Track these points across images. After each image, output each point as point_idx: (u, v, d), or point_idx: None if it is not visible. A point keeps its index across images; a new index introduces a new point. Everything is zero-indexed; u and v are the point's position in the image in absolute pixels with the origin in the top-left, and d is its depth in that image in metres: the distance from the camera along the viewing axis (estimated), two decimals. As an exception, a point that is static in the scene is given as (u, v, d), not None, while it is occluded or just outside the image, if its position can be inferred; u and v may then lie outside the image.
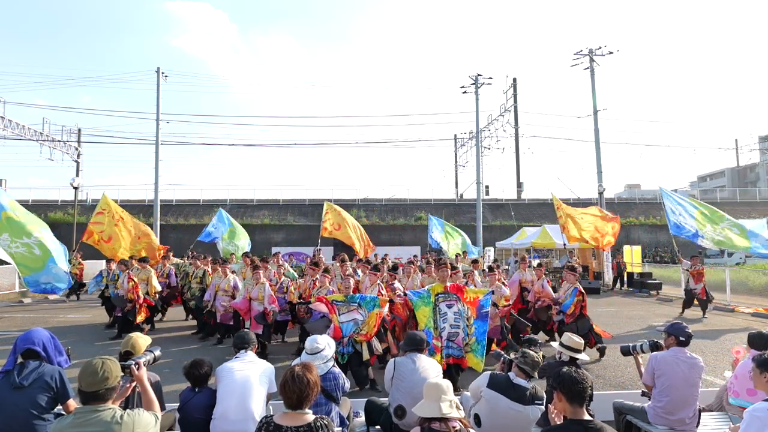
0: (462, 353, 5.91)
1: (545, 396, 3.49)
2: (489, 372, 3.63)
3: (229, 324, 8.63)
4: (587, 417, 2.43)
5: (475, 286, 7.69)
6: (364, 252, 15.51)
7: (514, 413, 3.36)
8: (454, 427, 2.62)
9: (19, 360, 3.07)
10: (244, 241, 16.82)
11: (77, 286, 15.51)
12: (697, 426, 3.86)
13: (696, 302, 11.91)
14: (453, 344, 5.90)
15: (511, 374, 3.52)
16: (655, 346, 4.14)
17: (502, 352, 4.02)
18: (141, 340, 3.49)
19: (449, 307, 5.99)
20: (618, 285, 18.84)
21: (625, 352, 4.37)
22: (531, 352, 3.54)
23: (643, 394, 4.24)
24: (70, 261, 14.90)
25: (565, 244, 16.90)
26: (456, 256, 14.72)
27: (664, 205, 12.65)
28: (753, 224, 11.92)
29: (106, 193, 12.96)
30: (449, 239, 18.78)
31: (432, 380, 2.91)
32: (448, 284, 6.18)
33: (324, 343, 3.83)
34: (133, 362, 2.85)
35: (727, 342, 8.70)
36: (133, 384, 2.86)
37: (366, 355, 6.02)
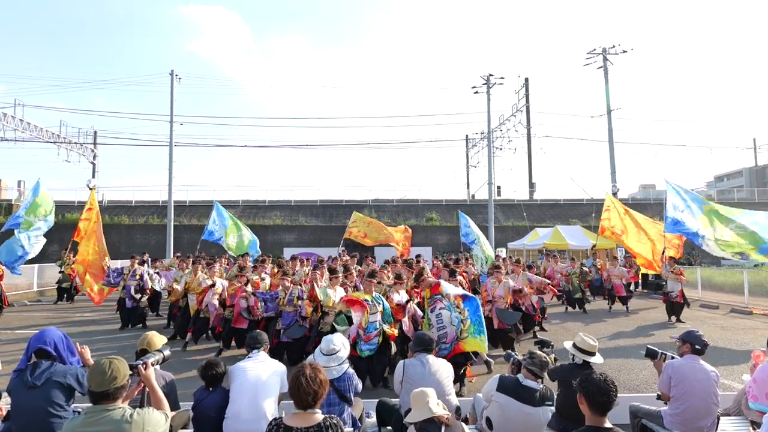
0: (452, 346, 5.91)
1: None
2: (499, 375, 3.63)
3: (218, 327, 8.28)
4: (607, 425, 2.40)
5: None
6: (403, 251, 16.87)
7: (525, 416, 3.35)
8: (446, 418, 2.83)
9: (33, 359, 3.11)
10: (238, 239, 15.76)
11: (71, 289, 14.97)
12: (716, 431, 3.77)
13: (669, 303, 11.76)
14: (443, 344, 5.91)
15: (519, 376, 3.51)
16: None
17: (513, 353, 4.00)
18: (156, 338, 3.53)
19: (432, 311, 6.03)
20: (633, 287, 18.55)
21: (651, 355, 4.12)
22: (539, 353, 3.54)
23: (658, 397, 4.17)
24: (62, 262, 14.99)
25: (594, 246, 16.64)
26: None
27: (665, 201, 11.74)
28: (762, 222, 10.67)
29: (94, 192, 13.03)
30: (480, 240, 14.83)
31: (417, 390, 3.02)
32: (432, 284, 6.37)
33: (339, 344, 3.82)
34: (141, 362, 2.86)
35: (745, 345, 8.52)
36: (142, 384, 2.86)
37: (394, 348, 6.24)
